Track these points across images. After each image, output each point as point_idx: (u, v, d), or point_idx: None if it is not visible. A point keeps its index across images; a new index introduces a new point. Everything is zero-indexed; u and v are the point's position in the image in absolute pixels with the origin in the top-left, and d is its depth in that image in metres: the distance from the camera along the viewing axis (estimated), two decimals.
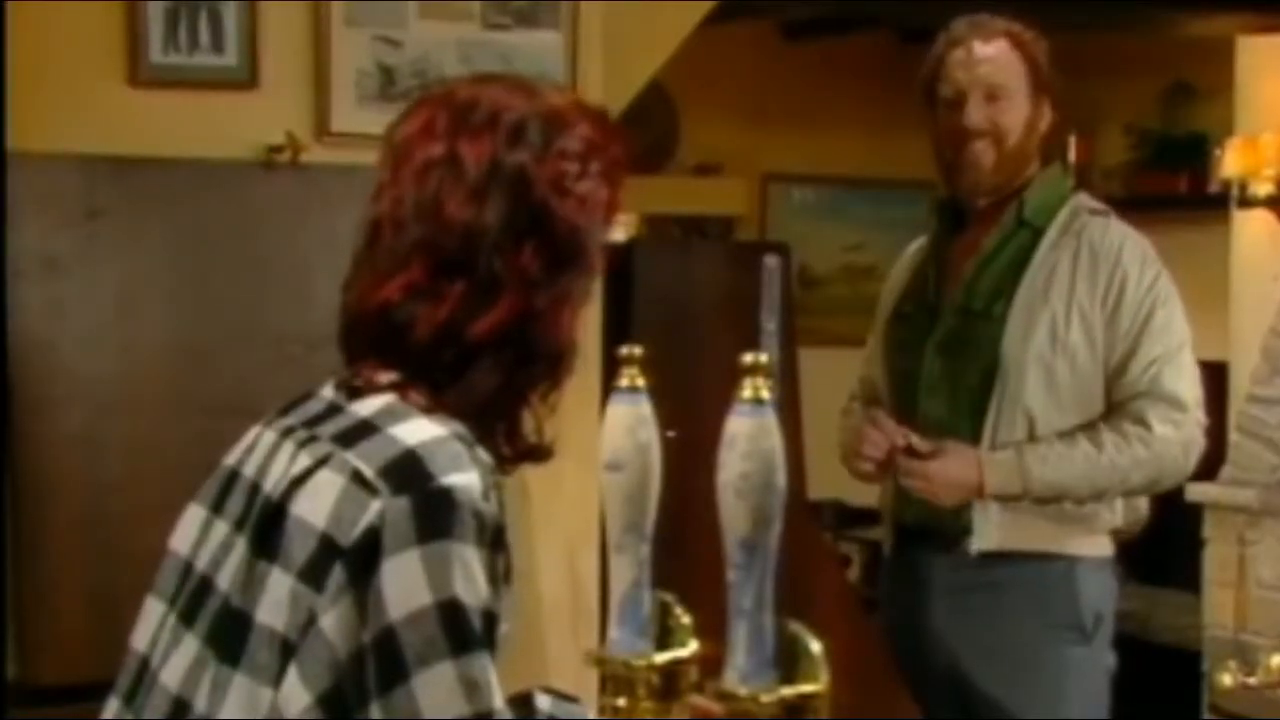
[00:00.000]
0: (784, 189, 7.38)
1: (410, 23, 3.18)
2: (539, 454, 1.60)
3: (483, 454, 1.47)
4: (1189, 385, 2.86)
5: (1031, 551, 2.87)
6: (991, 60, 2.89)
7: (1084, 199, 2.99)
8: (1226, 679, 4.93)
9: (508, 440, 1.57)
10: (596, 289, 1.62)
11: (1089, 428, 2.84)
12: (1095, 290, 2.84)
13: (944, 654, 2.91)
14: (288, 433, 1.54)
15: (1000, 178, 2.92)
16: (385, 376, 1.52)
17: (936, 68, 2.94)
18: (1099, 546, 2.93)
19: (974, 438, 2.85)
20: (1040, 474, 2.81)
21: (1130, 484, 2.87)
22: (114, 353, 2.91)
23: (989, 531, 2.86)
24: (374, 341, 1.54)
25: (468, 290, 1.51)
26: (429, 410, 1.49)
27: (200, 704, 1.45)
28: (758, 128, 7.06)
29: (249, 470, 1.54)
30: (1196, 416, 2.88)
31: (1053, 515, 2.87)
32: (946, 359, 2.91)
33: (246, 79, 3.06)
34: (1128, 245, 2.88)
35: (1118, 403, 2.85)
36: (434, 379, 1.51)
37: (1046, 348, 2.82)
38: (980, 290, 2.91)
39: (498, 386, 1.53)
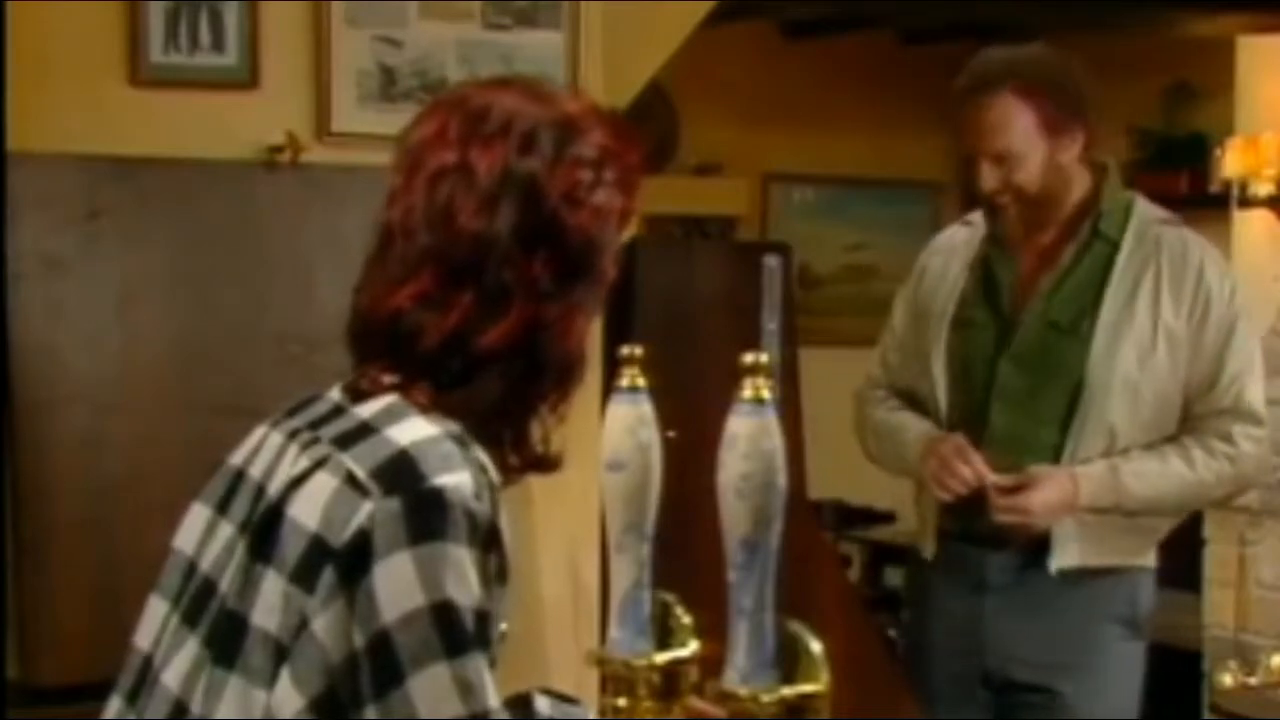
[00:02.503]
0: (784, 189, 7.38)
1: (410, 23, 3.18)
2: (546, 464, 1.59)
3: (478, 453, 1.46)
4: (1264, 399, 2.89)
5: (1105, 566, 2.88)
6: (994, 125, 2.82)
7: (1145, 205, 2.97)
8: (1226, 679, 4.92)
9: (515, 449, 1.56)
10: None
11: (1175, 443, 2.86)
12: (1180, 307, 2.84)
13: (1000, 649, 2.90)
14: (293, 435, 1.53)
15: (1031, 222, 2.89)
16: (390, 378, 1.51)
17: (955, 119, 2.89)
18: (1153, 556, 2.96)
19: (1053, 451, 2.84)
20: (1135, 490, 2.83)
21: (1211, 498, 2.92)
22: (114, 353, 2.91)
23: (1069, 549, 2.85)
24: (384, 347, 1.53)
25: (477, 300, 1.50)
26: (429, 409, 1.48)
27: (196, 706, 1.45)
28: (758, 128, 7.06)
29: (255, 472, 1.54)
30: (1268, 430, 2.91)
31: (1128, 529, 2.89)
32: (1025, 372, 2.88)
33: (247, 79, 3.06)
34: (1208, 259, 2.89)
35: (1200, 416, 2.86)
36: (439, 380, 1.51)
37: (1134, 368, 2.81)
38: (1062, 304, 2.87)
39: (504, 395, 1.52)
